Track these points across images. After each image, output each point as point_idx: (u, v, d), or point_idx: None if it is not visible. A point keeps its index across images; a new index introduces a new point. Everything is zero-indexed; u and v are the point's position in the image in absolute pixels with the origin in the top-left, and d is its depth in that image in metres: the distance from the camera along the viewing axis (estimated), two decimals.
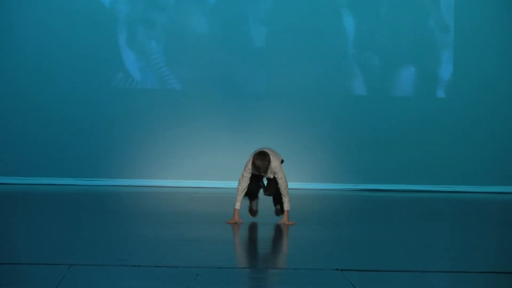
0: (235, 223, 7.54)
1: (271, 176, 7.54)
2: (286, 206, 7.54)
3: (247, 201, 7.80)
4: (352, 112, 12.70)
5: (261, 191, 7.79)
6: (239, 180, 7.51)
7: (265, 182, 7.75)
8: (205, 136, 12.37)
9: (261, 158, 7.35)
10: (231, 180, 10.54)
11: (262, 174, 7.49)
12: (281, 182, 7.47)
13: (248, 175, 7.48)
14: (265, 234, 7.36)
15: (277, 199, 7.77)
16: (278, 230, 7.40)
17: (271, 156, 7.42)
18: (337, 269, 5.36)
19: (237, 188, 7.53)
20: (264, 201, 8.56)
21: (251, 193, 7.68)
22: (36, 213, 8.66)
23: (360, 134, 12.68)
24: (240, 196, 7.52)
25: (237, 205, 7.54)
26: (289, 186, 7.60)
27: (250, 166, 7.40)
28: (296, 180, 12.00)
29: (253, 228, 7.58)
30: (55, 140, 12.28)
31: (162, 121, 12.46)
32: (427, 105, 12.77)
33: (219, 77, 12.58)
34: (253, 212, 7.90)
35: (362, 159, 12.64)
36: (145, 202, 10.27)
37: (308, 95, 12.64)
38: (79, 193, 10.99)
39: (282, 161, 7.65)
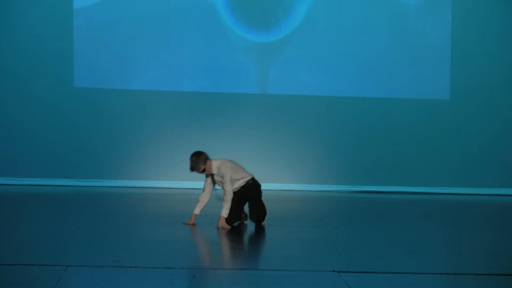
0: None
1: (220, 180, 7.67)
2: (224, 213, 7.53)
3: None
4: (348, 114, 12.69)
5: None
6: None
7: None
8: (204, 138, 12.34)
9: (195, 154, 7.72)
10: None
11: (206, 174, 7.70)
12: (224, 187, 7.61)
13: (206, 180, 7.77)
14: (261, 236, 7.36)
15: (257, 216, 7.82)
16: (275, 232, 7.41)
17: (216, 161, 7.66)
18: (333, 271, 5.37)
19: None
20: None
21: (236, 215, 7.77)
22: (33, 214, 8.65)
23: (356, 136, 12.66)
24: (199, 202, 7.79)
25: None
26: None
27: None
28: (292, 182, 12.00)
29: (249, 230, 7.59)
30: (53, 141, 12.25)
31: (161, 123, 12.43)
32: (424, 107, 12.77)
33: (216, 79, 12.57)
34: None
35: (358, 160, 12.63)
36: (142, 203, 10.26)
37: (305, 97, 12.64)
38: (76, 194, 10.97)
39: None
